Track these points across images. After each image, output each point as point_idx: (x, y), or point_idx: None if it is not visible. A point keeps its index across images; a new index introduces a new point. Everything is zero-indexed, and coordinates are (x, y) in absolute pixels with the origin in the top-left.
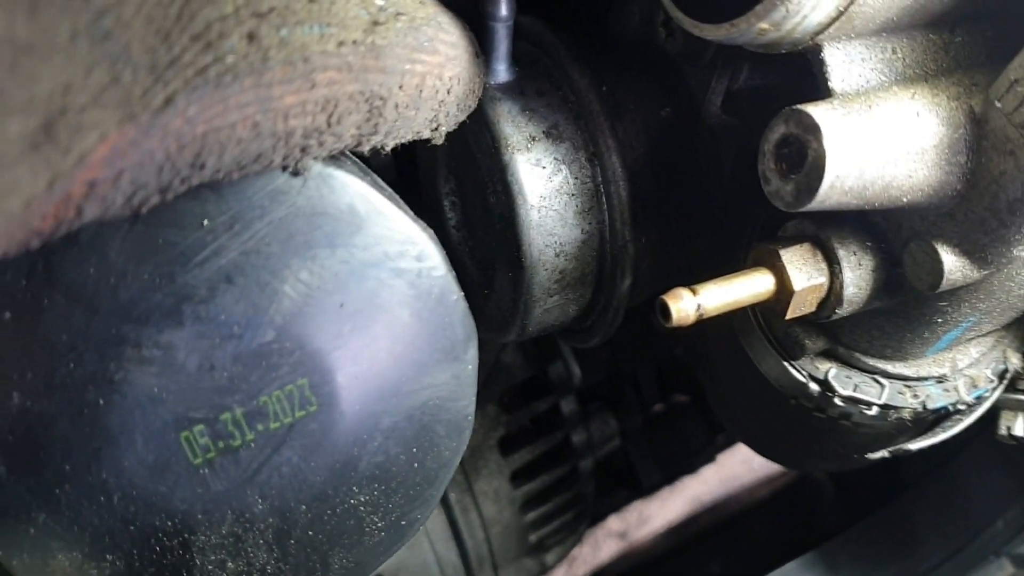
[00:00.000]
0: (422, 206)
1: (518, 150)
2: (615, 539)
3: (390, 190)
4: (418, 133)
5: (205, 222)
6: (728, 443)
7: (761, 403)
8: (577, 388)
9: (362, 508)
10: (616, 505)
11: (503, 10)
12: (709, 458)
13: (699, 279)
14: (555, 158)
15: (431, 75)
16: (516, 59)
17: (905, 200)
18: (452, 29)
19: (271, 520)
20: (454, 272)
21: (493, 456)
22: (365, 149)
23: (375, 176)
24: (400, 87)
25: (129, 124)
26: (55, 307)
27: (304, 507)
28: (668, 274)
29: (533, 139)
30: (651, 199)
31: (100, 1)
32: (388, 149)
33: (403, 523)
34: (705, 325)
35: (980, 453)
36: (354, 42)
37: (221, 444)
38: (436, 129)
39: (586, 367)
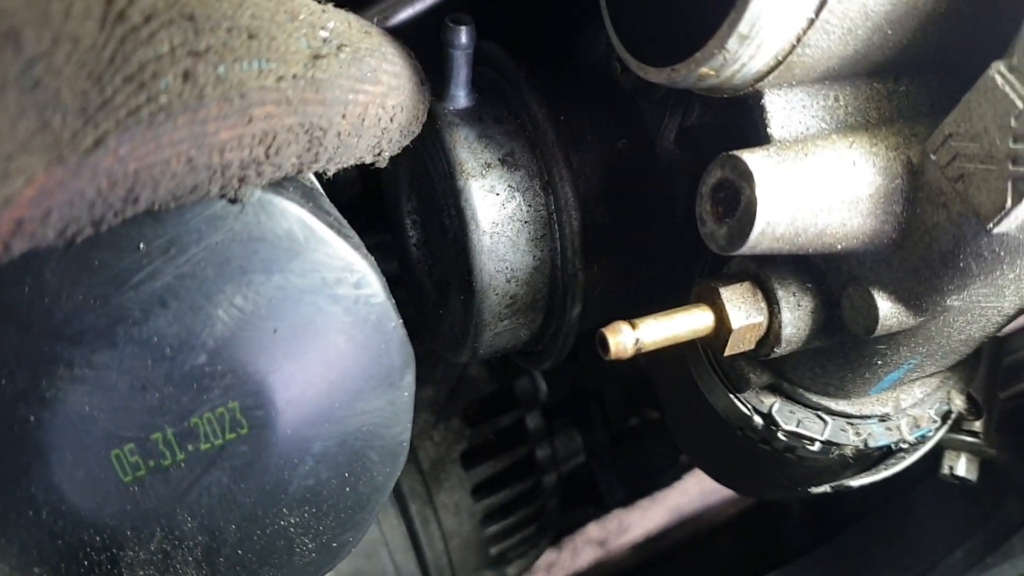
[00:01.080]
0: (386, 222)
1: (473, 176)
2: (594, 546)
3: (336, 214)
4: (360, 158)
5: (141, 245)
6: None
7: (711, 432)
8: (543, 403)
9: (292, 530)
10: (594, 513)
11: (463, 39)
12: (675, 476)
13: (653, 308)
14: (509, 185)
15: (373, 104)
16: (476, 85)
17: (840, 247)
18: (396, 59)
19: (200, 538)
20: (393, 300)
21: (455, 469)
22: (306, 175)
23: (321, 200)
24: (343, 116)
25: (57, 166)
26: None
27: (234, 527)
28: (620, 302)
29: (488, 166)
30: (604, 229)
31: (30, 50)
32: (331, 173)
33: (334, 545)
34: (659, 353)
35: (941, 483)
36: (294, 76)
37: (151, 463)
38: (379, 155)
39: (552, 383)
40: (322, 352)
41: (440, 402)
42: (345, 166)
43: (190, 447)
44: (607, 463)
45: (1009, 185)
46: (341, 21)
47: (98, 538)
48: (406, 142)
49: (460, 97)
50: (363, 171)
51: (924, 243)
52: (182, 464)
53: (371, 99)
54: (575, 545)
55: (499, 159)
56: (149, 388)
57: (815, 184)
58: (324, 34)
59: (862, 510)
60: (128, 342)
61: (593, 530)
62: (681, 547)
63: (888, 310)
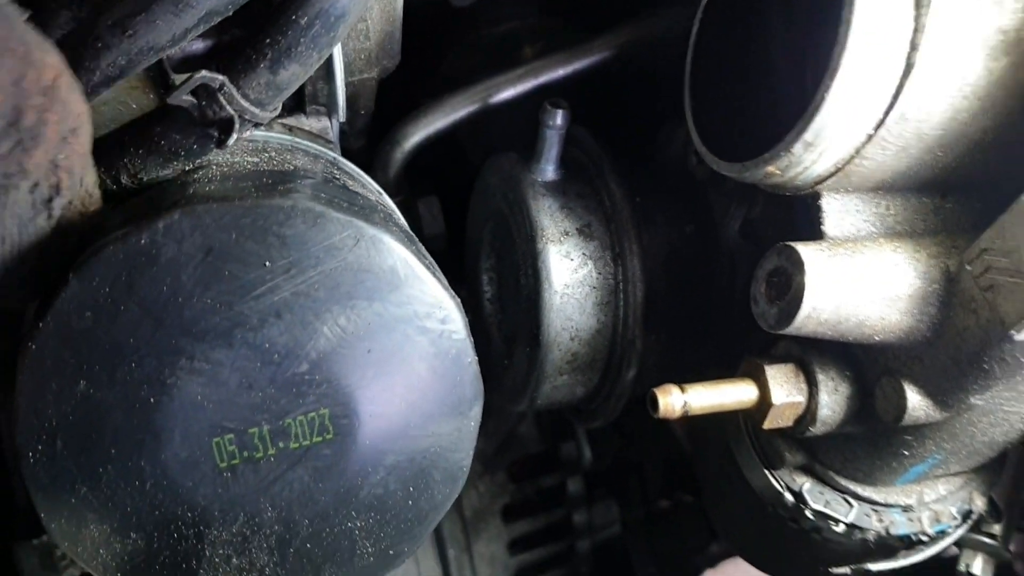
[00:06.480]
0: (464, 277)
1: (552, 241)
2: None
3: (430, 258)
4: None
5: (267, 263)
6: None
7: (744, 508)
8: (585, 470)
9: (357, 532)
10: None
11: (558, 120)
12: (707, 563)
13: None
14: (583, 253)
15: None
16: (565, 164)
17: (877, 339)
18: None
19: (276, 528)
20: (472, 339)
21: (495, 521)
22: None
23: (419, 245)
24: None
25: None
26: (129, 314)
27: (307, 522)
28: (673, 375)
29: (567, 234)
30: (665, 303)
31: None
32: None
33: (391, 553)
34: (704, 428)
35: None
36: None
37: (246, 454)
38: None
39: (597, 452)
40: (406, 376)
41: (488, 454)
42: None
43: (281, 444)
44: (641, 538)
45: None
46: None
47: (190, 515)
48: None
49: (549, 171)
50: (451, 230)
51: (954, 344)
52: (272, 458)
53: None
54: None
55: (577, 229)
56: (255, 387)
57: (859, 279)
58: None
59: None
60: (243, 344)
61: None
62: None
63: (916, 402)
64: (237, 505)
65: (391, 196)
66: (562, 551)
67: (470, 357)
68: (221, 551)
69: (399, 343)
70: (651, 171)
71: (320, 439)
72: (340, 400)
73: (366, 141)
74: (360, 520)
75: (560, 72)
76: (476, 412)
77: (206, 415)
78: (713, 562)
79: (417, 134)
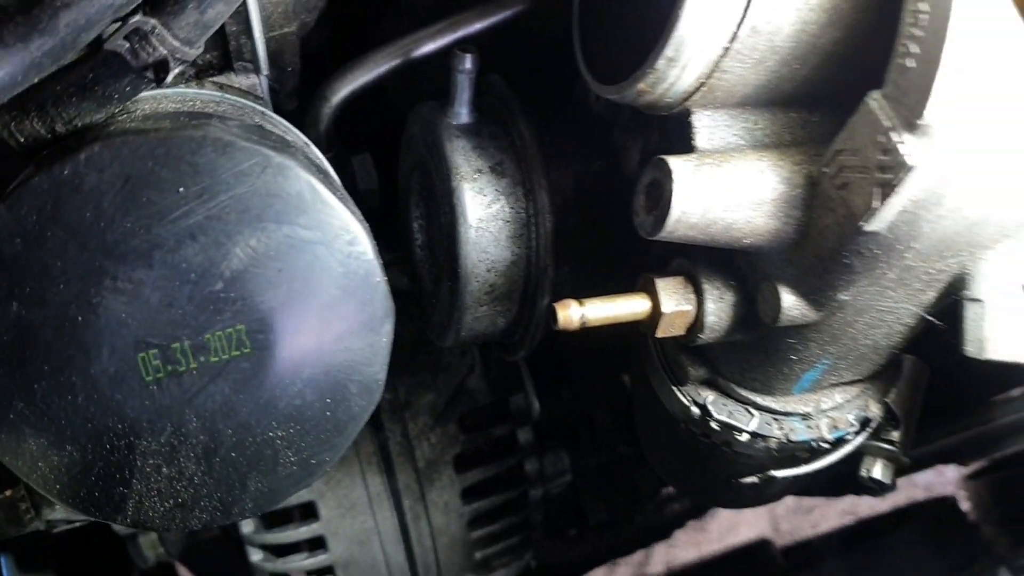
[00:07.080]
0: (397, 227)
1: (465, 179)
2: None
3: (340, 186)
4: None
5: (181, 189)
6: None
7: (664, 431)
8: (535, 421)
9: (279, 441)
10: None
11: (467, 64)
12: (677, 522)
13: None
14: (496, 189)
15: None
16: (481, 109)
17: (747, 242)
18: None
19: (202, 438)
20: (381, 260)
21: (447, 471)
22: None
23: (329, 173)
24: None
25: None
26: (55, 239)
27: (230, 431)
28: None
29: (480, 171)
30: (574, 235)
31: None
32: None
33: (313, 462)
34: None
35: (911, 533)
36: None
37: (169, 368)
38: None
39: (546, 404)
40: (317, 294)
41: (439, 407)
42: None
43: (202, 358)
44: (593, 485)
45: (877, 189)
46: None
47: (120, 426)
48: None
49: (462, 114)
50: (384, 185)
51: (817, 243)
52: (194, 372)
53: None
54: None
55: (489, 167)
56: (175, 305)
57: (726, 186)
58: None
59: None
60: (162, 265)
61: None
62: None
63: (791, 302)
64: (164, 416)
65: (323, 152)
66: (515, 499)
67: (379, 277)
68: (151, 461)
69: (309, 263)
70: (561, 113)
71: (238, 353)
72: (255, 316)
73: (298, 103)
74: (281, 430)
75: (477, 26)
76: (388, 329)
77: (131, 332)
78: (680, 521)
79: (344, 89)
